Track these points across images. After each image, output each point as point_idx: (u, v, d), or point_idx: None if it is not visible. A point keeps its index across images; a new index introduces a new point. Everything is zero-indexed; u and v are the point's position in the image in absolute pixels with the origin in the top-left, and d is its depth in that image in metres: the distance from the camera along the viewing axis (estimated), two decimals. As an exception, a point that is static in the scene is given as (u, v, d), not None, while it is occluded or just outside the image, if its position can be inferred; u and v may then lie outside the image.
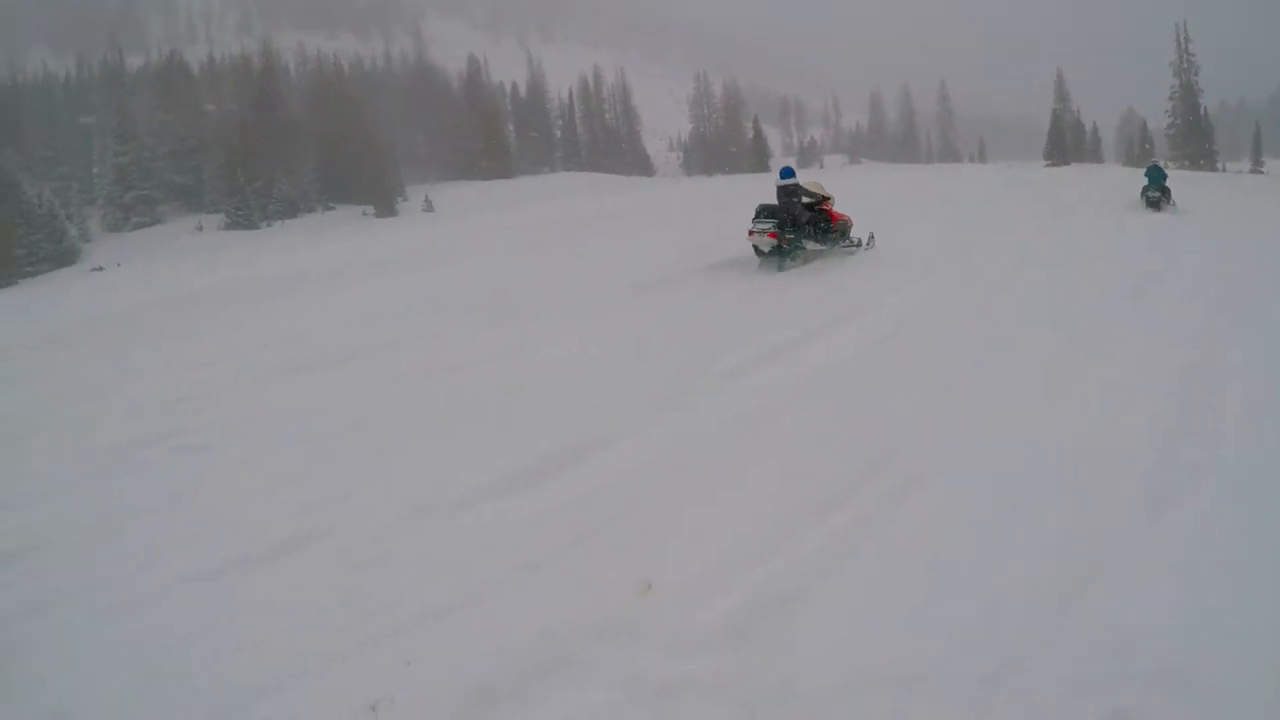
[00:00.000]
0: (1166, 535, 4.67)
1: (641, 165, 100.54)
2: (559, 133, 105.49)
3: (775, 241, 13.63)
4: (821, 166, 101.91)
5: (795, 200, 14.22)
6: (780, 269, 13.68)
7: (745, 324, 10.23)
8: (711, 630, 3.93)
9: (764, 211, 13.92)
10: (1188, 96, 75.43)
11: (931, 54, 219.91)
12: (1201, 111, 75.91)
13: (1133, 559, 4.43)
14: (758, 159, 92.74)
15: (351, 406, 7.74)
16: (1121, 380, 7.41)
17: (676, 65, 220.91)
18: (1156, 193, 22.66)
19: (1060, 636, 3.81)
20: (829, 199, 15.06)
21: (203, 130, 71.99)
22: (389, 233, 35.27)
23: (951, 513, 5.04)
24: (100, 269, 44.03)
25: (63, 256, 56.08)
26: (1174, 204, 22.74)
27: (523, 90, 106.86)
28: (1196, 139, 73.67)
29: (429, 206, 61.66)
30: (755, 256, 14.01)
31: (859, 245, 15.11)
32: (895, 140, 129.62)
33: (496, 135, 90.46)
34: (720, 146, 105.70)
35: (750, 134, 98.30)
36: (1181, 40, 76.32)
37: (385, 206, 64.63)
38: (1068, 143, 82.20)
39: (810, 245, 14.37)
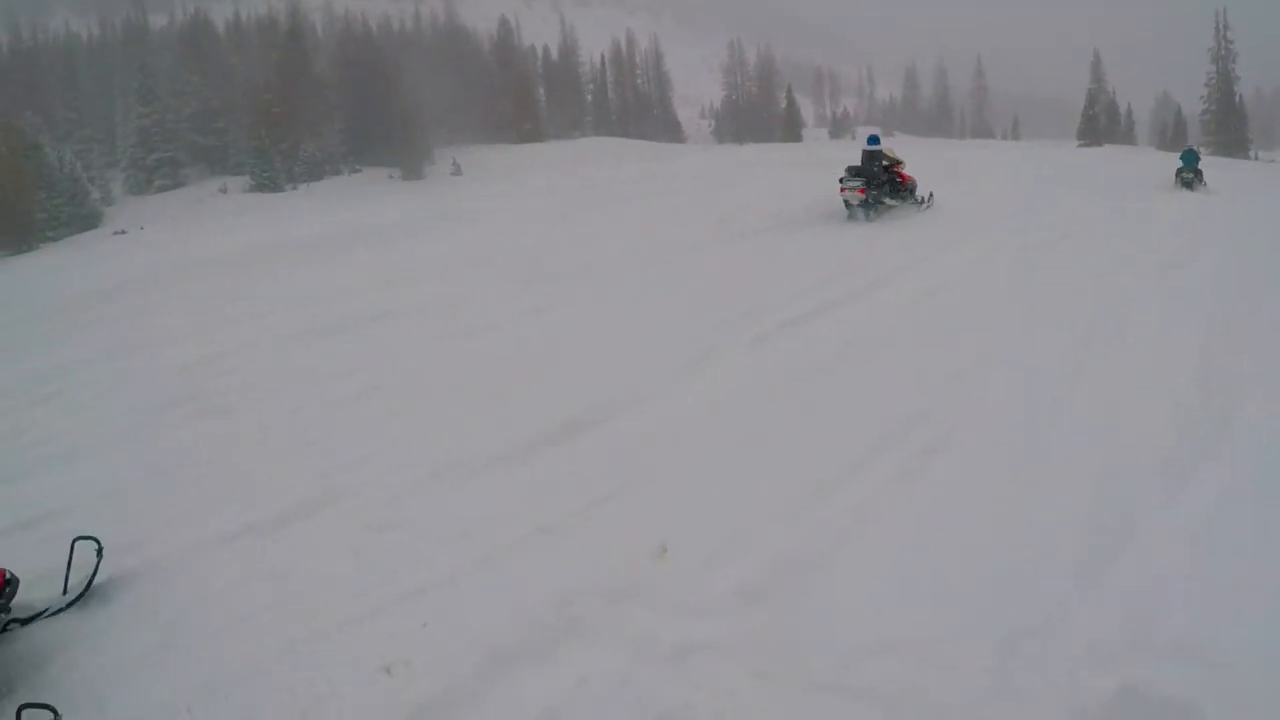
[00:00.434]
0: (1185, 508, 4.68)
1: (672, 132, 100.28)
2: (590, 97, 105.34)
3: (863, 196, 16.07)
4: (854, 138, 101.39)
5: (877, 163, 16.62)
6: (867, 219, 16.09)
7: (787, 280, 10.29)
8: (726, 595, 3.96)
9: (853, 171, 16.40)
10: (1224, 84, 74.99)
11: (968, 28, 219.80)
12: (1237, 99, 75.67)
13: (1151, 531, 4.44)
14: (790, 129, 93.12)
15: (377, 369, 7.85)
16: (1157, 338, 7.83)
17: (711, 31, 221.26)
18: (1190, 174, 23.96)
19: (1076, 607, 3.82)
20: (901, 163, 17.40)
21: (228, 91, 71.76)
22: (416, 196, 35.18)
23: (973, 481, 5.07)
24: (123, 232, 43.56)
25: (85, 220, 56.10)
26: (1206, 185, 23.81)
27: (554, 54, 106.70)
28: (1231, 126, 73.39)
29: (457, 170, 61.89)
30: (771, 225, 16.09)
31: (921, 203, 17.43)
32: (929, 114, 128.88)
33: (527, 99, 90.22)
34: (752, 115, 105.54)
35: (783, 104, 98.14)
36: (1220, 27, 75.86)
37: (412, 169, 64.65)
38: (1101, 124, 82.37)
39: (887, 201, 16.60)
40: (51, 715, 3.19)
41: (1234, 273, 10.93)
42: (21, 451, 6.25)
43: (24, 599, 3.87)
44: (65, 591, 4.11)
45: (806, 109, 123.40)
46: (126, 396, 7.44)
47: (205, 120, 70.71)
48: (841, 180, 16.28)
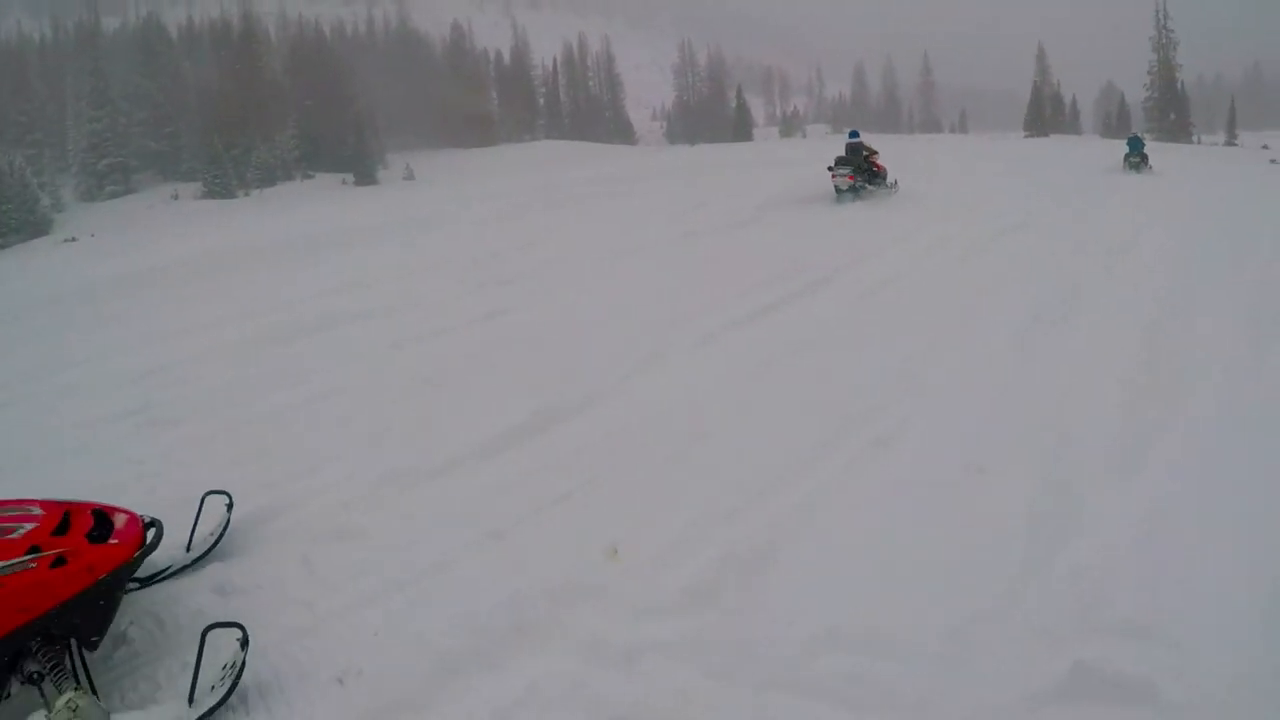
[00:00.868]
0: (1134, 489, 4.76)
1: (624, 134, 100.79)
2: (542, 101, 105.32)
3: (851, 182, 18.54)
4: (804, 136, 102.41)
5: (860, 154, 19.36)
6: (854, 199, 18.36)
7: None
8: (677, 594, 3.96)
9: (841, 161, 18.89)
10: (1165, 72, 76.92)
11: (915, 25, 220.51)
12: (1178, 86, 77.51)
13: (1100, 513, 4.50)
14: (741, 128, 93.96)
15: (331, 375, 7.77)
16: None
17: (662, 32, 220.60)
18: (1137, 158, 26.83)
19: (1026, 591, 3.88)
20: (876, 153, 20.09)
21: (180, 95, 71.28)
22: (370, 201, 35.05)
23: (923, 471, 5.13)
24: (73, 240, 43.38)
25: (35, 227, 54.99)
26: (1151, 168, 26.47)
27: (506, 57, 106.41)
28: (1173, 113, 75.32)
29: (410, 175, 61.91)
30: (723, 224, 16.68)
31: (891, 187, 19.64)
32: (877, 111, 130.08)
33: (479, 103, 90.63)
34: (704, 115, 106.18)
35: (733, 103, 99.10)
36: (1160, 17, 77.59)
37: (365, 174, 64.63)
38: (1047, 115, 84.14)
39: (868, 186, 19.05)
40: (240, 631, 3.55)
41: (1177, 253, 11.68)
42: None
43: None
44: (189, 548, 4.38)
45: (757, 108, 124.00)
46: (74, 409, 7.23)
47: (157, 125, 70.23)
48: (831, 169, 18.71)
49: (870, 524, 4.53)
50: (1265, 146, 56.73)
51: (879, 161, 19.93)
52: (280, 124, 69.18)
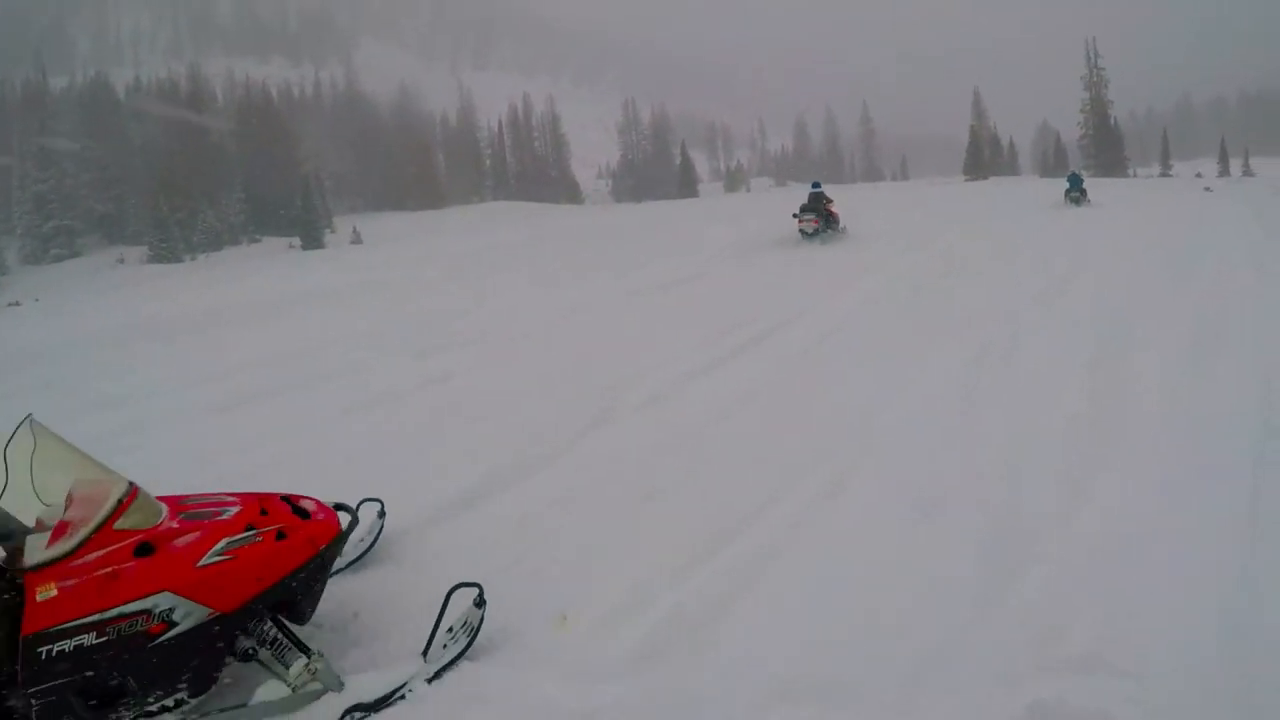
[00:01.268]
0: (1083, 523, 4.87)
1: (571, 193, 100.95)
2: (489, 162, 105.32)
3: (816, 226, 21.26)
4: (748, 190, 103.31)
5: (821, 202, 21.97)
6: (819, 241, 21.01)
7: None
8: (626, 656, 3.96)
9: (805, 208, 21.67)
10: (1098, 108, 79.61)
11: (854, 77, 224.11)
12: (1112, 122, 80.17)
13: (1050, 548, 4.60)
14: (686, 185, 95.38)
15: (276, 443, 7.63)
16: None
17: (607, 90, 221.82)
18: (1077, 193, 29.52)
19: (980, 631, 3.92)
20: (832, 201, 22.66)
21: (127, 157, 70.55)
22: (316, 266, 34.79)
23: (872, 516, 5.21)
24: (17, 304, 43.27)
25: (-24, 291, 54.09)
26: (1090, 201, 29.17)
27: (453, 119, 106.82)
28: (1108, 148, 77.54)
29: (357, 238, 61.12)
30: (670, 280, 16.89)
31: (840, 230, 22.23)
32: (819, 161, 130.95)
33: (426, 165, 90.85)
34: (649, 173, 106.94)
35: (678, 160, 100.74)
36: (1091, 55, 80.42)
37: (313, 238, 63.94)
38: (986, 158, 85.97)
39: (827, 229, 21.62)
40: (478, 591, 4.10)
41: (1118, 283, 12.17)
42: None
43: None
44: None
45: (701, 163, 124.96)
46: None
47: (104, 187, 69.34)
48: (797, 215, 21.57)
49: (822, 573, 4.57)
50: (1199, 175, 61.18)
51: (834, 209, 22.42)
52: (227, 187, 68.61)
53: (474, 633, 4.06)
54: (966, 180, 73.08)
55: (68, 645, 3.27)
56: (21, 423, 3.63)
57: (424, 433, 7.71)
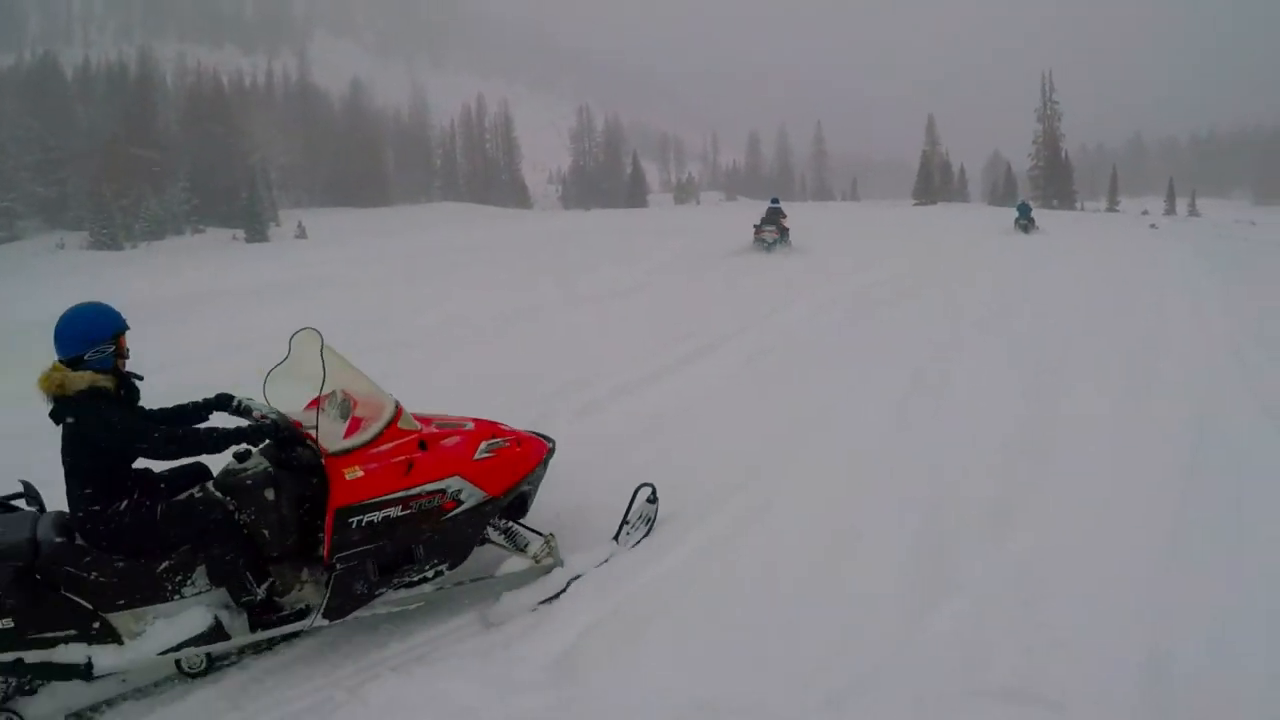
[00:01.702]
0: (1007, 553, 4.89)
1: (520, 197, 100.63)
2: (439, 162, 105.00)
3: (776, 237, 23.16)
4: (698, 203, 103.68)
5: (778, 216, 24.18)
6: (775, 251, 22.62)
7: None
8: (542, 667, 3.98)
9: (764, 221, 23.88)
10: (1050, 141, 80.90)
11: (810, 96, 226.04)
12: (1063, 155, 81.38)
13: (974, 578, 4.62)
14: (636, 194, 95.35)
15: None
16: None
17: (561, 95, 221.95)
18: (1025, 221, 31.65)
19: (902, 658, 3.94)
20: (786, 216, 24.78)
21: (71, 140, 69.01)
22: (260, 260, 34.20)
23: (796, 542, 5.17)
24: (-53, 289, 42.37)
25: (-91, 274, 52.85)
26: (1038, 228, 31.40)
27: (405, 117, 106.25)
28: (1058, 180, 78.88)
29: (302, 233, 60.19)
30: (614, 290, 16.78)
31: (789, 244, 23.80)
32: (771, 178, 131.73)
33: (375, 162, 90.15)
34: (599, 180, 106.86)
35: (629, 169, 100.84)
36: (1046, 89, 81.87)
37: (257, 231, 63.08)
38: (936, 183, 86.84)
39: (782, 241, 23.36)
40: (652, 490, 5.46)
41: (1059, 314, 12.29)
42: None
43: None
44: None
45: (652, 174, 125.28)
46: None
47: (47, 170, 67.65)
48: (757, 227, 23.65)
49: (746, 594, 4.59)
50: (1145, 212, 63.09)
51: (786, 223, 24.37)
52: (171, 175, 67.44)
53: (651, 522, 5.42)
54: (915, 204, 73.46)
55: (376, 516, 4.25)
56: (303, 330, 4.69)
57: None
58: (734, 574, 4.84)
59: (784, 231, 23.96)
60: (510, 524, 5.21)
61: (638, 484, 5.39)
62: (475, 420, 5.08)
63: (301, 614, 4.26)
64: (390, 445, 4.40)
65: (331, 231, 56.95)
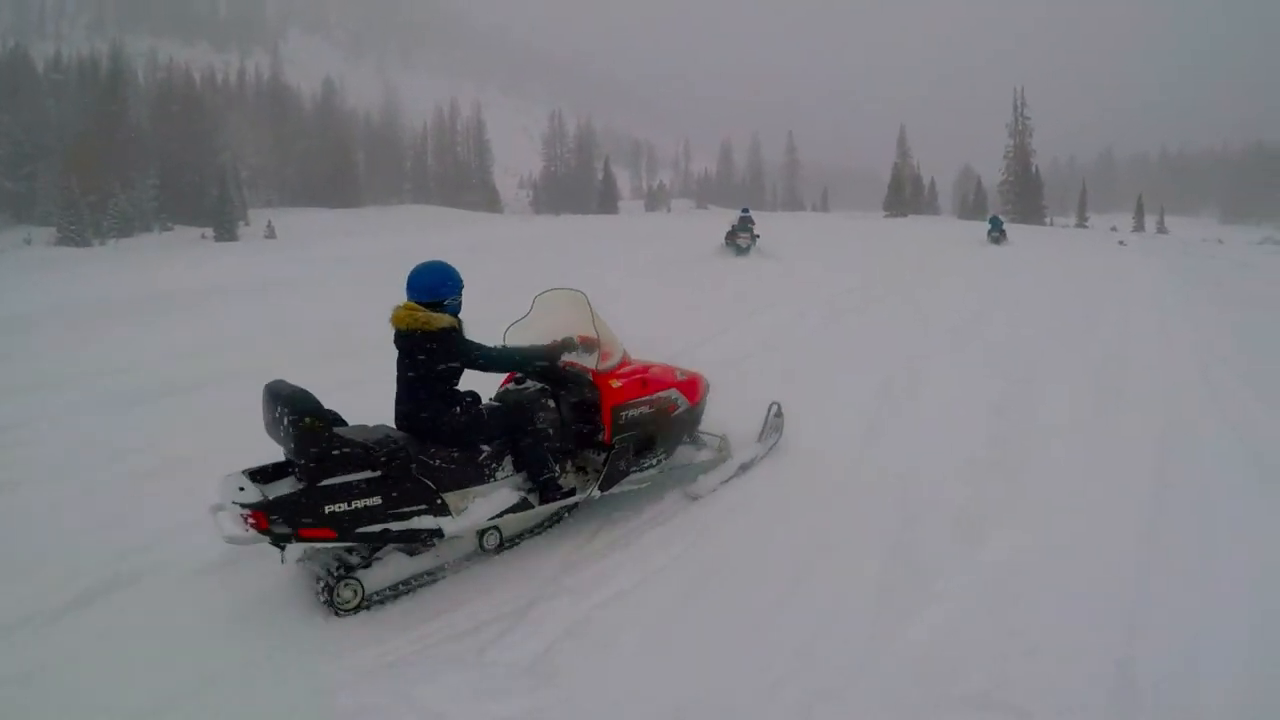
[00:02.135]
0: (979, 564, 4.94)
1: (491, 201, 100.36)
2: (410, 164, 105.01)
3: (750, 242, 25.20)
4: (669, 210, 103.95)
5: (750, 224, 26.07)
6: (747, 254, 24.57)
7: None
8: (521, 669, 3.99)
9: (737, 228, 25.75)
10: (1021, 156, 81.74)
11: (782, 106, 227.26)
12: (1033, 170, 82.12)
13: (946, 588, 4.66)
14: (607, 201, 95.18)
15: (178, 442, 7.30)
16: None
17: (534, 99, 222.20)
18: (998, 234, 33.43)
19: (873, 666, 3.97)
20: (755, 223, 26.65)
21: (42, 134, 68.77)
22: (228, 259, 33.68)
23: (768, 547, 5.26)
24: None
25: None
26: (1009, 240, 33.20)
27: (377, 117, 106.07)
28: (1028, 195, 79.73)
29: (271, 233, 60.25)
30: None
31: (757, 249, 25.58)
32: (742, 187, 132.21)
33: (346, 163, 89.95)
34: (570, 186, 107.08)
35: (600, 175, 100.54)
36: (1018, 104, 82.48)
37: (226, 230, 63.02)
38: (907, 195, 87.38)
39: (754, 246, 25.32)
40: (778, 407, 7.21)
41: (1030, 327, 12.44)
42: None
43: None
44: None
45: (623, 180, 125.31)
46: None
47: (15, 164, 67.42)
48: (729, 234, 25.72)
49: (721, 600, 4.61)
50: (1114, 228, 63.96)
51: (756, 230, 26.27)
52: (141, 171, 67.25)
53: (780, 431, 7.16)
54: (886, 216, 74.11)
55: (634, 412, 5.83)
56: (546, 291, 6.48)
57: None
58: (708, 579, 4.88)
59: (754, 238, 26.06)
60: (694, 430, 6.70)
61: (770, 401, 7.21)
62: (663, 365, 6.55)
63: (570, 493, 5.59)
64: (629, 368, 6.08)
65: (300, 232, 56.83)
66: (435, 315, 5.07)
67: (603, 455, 5.73)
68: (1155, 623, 4.30)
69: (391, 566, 4.86)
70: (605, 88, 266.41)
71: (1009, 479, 6.28)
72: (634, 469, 5.85)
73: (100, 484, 6.42)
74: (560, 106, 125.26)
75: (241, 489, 4.43)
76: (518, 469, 5.38)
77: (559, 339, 5.83)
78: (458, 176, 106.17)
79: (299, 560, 4.88)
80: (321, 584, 4.64)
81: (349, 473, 4.56)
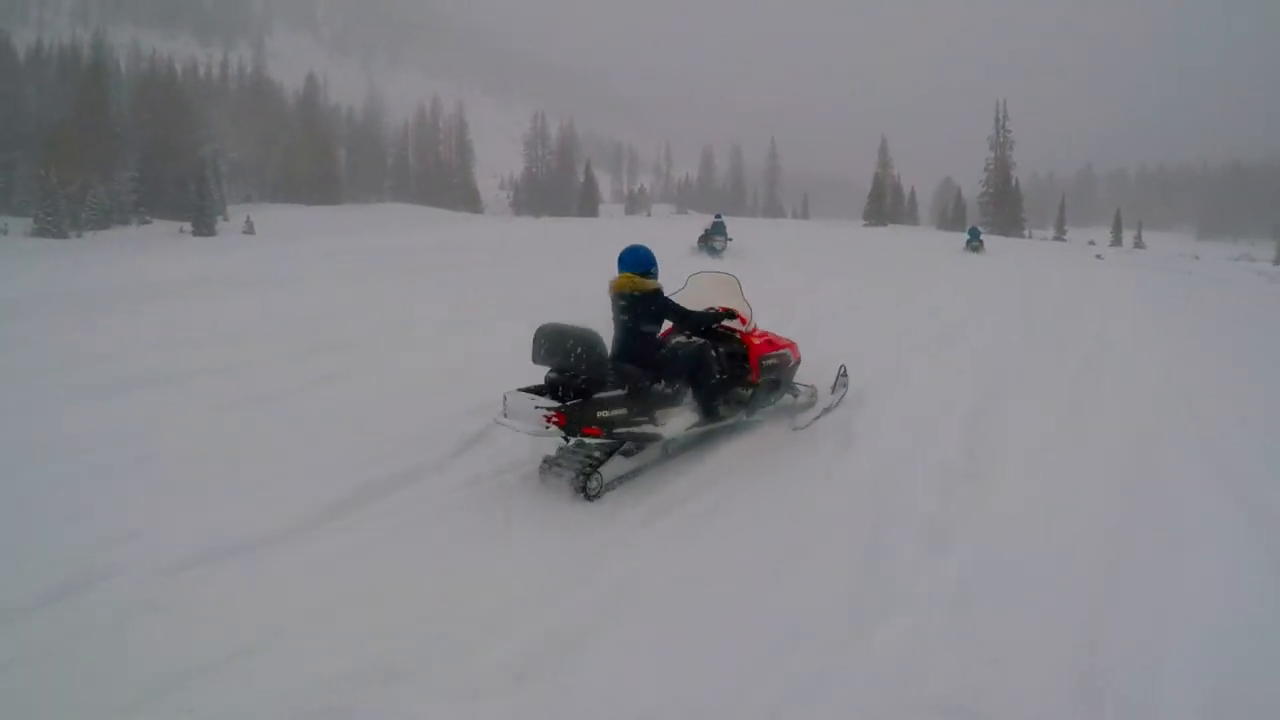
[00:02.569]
0: (946, 571, 4.94)
1: (471, 201, 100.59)
2: (391, 162, 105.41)
3: (724, 244, 27.89)
4: (649, 214, 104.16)
5: (723, 229, 29.10)
6: (721, 257, 26.12)
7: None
8: (494, 674, 3.96)
9: (710, 233, 28.65)
10: (1001, 168, 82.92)
11: (764, 113, 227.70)
12: (1013, 183, 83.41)
13: (914, 595, 4.67)
14: (587, 203, 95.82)
15: (150, 436, 7.30)
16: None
17: (516, 100, 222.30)
18: (977, 243, 35.91)
19: (841, 671, 3.98)
20: (726, 227, 29.77)
21: (21, 123, 68.46)
22: (207, 254, 33.06)
23: (737, 553, 5.24)
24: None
25: None
26: (986, 251, 35.26)
27: (360, 115, 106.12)
28: (1007, 207, 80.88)
29: (250, 228, 60.12)
30: (565, 299, 18.08)
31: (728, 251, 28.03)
32: (723, 193, 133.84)
33: (327, 160, 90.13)
34: (551, 188, 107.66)
35: (581, 178, 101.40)
36: (1000, 117, 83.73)
37: (204, 224, 62.85)
38: (887, 204, 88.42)
39: (726, 248, 28.01)
40: (844, 368, 8.92)
41: (1005, 341, 12.37)
42: None
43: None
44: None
45: (605, 184, 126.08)
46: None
47: None
48: (703, 237, 28.57)
49: (690, 606, 4.59)
50: (1092, 242, 66.46)
51: (730, 233, 29.31)
52: (120, 163, 67.20)
53: (846, 386, 8.82)
54: (865, 225, 75.07)
55: (770, 362, 7.75)
56: (697, 274, 8.73)
57: (286, 435, 7.45)
58: (679, 585, 4.86)
59: (728, 241, 28.71)
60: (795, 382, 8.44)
61: (839, 364, 8.93)
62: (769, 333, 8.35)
63: (724, 418, 7.34)
64: (760, 330, 8.13)
65: (280, 228, 56.66)
66: (647, 281, 6.89)
67: (749, 391, 7.62)
68: (1119, 632, 4.35)
69: (613, 466, 6.47)
70: (588, 91, 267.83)
71: (980, 487, 6.33)
72: (765, 404, 7.82)
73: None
74: (543, 108, 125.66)
75: (533, 401, 6.06)
76: (695, 398, 7.11)
77: (716, 308, 7.88)
78: (439, 176, 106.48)
79: (552, 468, 6.41)
80: (580, 479, 6.16)
81: (609, 391, 6.23)
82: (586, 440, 6.26)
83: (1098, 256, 40.26)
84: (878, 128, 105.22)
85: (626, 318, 6.86)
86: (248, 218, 63.37)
